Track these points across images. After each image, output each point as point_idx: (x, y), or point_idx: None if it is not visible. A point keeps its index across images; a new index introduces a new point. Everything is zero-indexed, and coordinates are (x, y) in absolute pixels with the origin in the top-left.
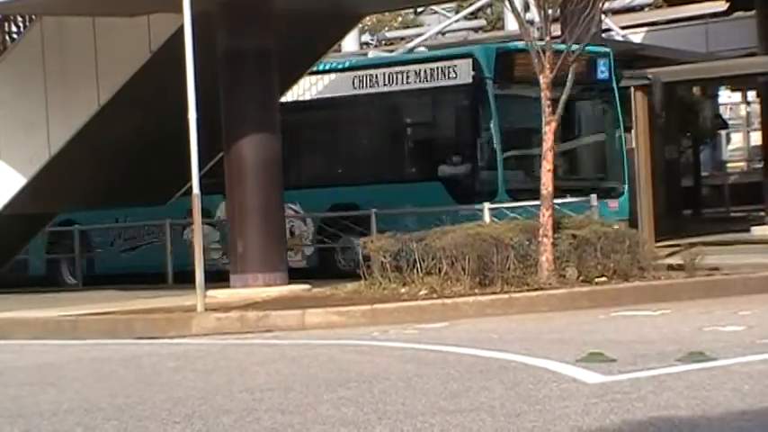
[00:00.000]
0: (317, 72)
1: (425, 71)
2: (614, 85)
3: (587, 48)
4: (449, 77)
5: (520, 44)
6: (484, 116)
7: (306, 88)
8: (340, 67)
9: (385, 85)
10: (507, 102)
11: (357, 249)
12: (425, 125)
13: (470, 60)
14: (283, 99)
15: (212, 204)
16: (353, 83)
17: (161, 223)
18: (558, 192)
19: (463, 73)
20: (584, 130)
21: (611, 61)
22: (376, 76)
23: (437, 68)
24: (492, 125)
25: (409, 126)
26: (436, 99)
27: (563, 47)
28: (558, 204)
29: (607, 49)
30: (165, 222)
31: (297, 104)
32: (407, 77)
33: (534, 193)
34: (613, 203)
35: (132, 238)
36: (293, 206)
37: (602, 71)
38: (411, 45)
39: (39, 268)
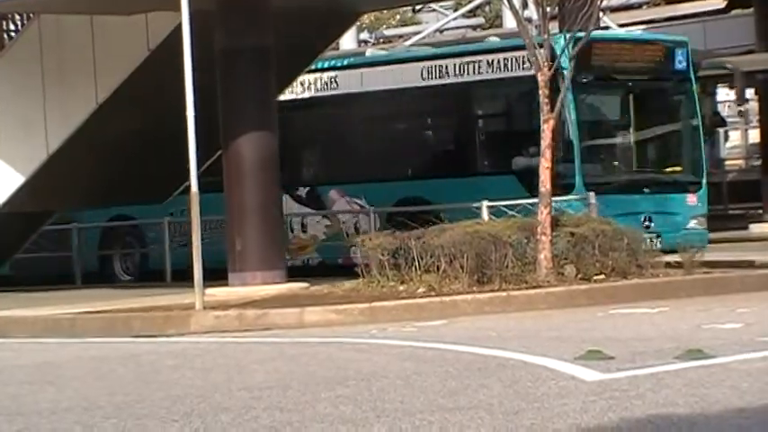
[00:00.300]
0: (382, 63)
1: (499, 61)
2: (692, 75)
3: (663, 37)
4: (523, 67)
5: (596, 32)
6: (561, 107)
7: (370, 79)
8: (407, 57)
9: (456, 75)
10: (584, 91)
11: None
12: (498, 116)
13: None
14: (348, 90)
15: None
16: (422, 73)
17: (218, 218)
18: (637, 186)
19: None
20: (661, 122)
21: (689, 51)
22: (446, 66)
23: (511, 58)
24: (569, 116)
25: (481, 117)
26: (510, 89)
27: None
28: (556, 202)
29: (685, 39)
30: (220, 218)
31: (361, 96)
32: (479, 67)
33: (614, 187)
34: (692, 198)
35: (187, 233)
36: (358, 200)
37: (680, 61)
38: (409, 43)
39: (92, 265)
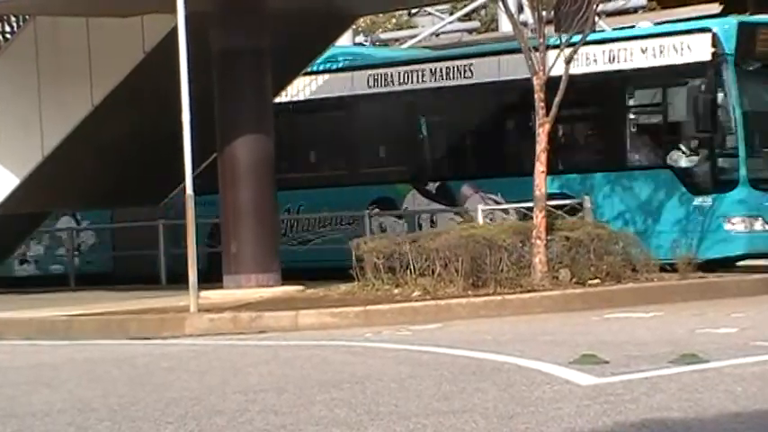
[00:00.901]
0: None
1: (654, 48)
2: None
3: None
4: (682, 54)
5: (763, 17)
6: (724, 97)
7: (510, 67)
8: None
9: (605, 63)
10: (750, 81)
11: None
12: (653, 107)
13: (709, 35)
14: (484, 79)
15: (398, 194)
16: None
17: (339, 215)
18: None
19: (700, 49)
20: None
21: None
22: (594, 54)
23: (668, 45)
24: (732, 107)
25: (633, 108)
26: (666, 78)
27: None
28: (551, 206)
29: None
30: (341, 214)
31: (499, 85)
32: (632, 55)
33: None
34: None
35: (306, 230)
36: (494, 196)
37: None
38: (405, 46)
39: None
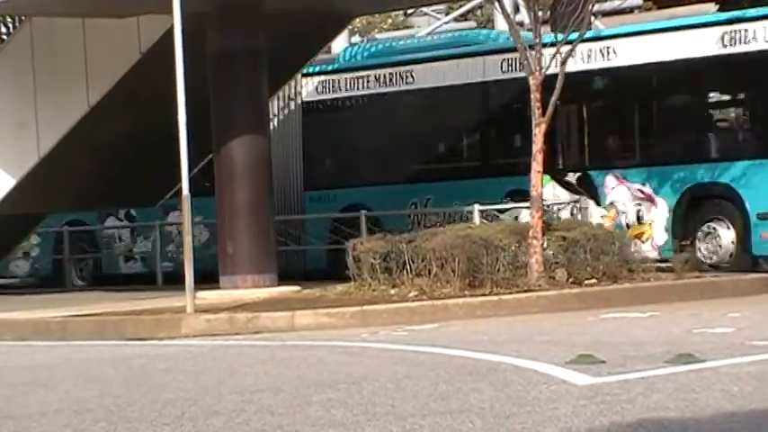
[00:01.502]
0: (652, 31)
1: None
2: None
3: None
4: None
5: None
6: None
7: (654, 48)
8: (694, 23)
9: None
10: None
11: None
12: None
13: None
14: (624, 62)
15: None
16: (723, 40)
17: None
18: None
19: None
20: None
21: None
22: (746, 31)
23: None
24: None
25: None
26: None
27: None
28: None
29: None
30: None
31: (643, 67)
32: None
33: None
34: None
35: (434, 225)
36: (642, 187)
37: None
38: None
39: (319, 260)
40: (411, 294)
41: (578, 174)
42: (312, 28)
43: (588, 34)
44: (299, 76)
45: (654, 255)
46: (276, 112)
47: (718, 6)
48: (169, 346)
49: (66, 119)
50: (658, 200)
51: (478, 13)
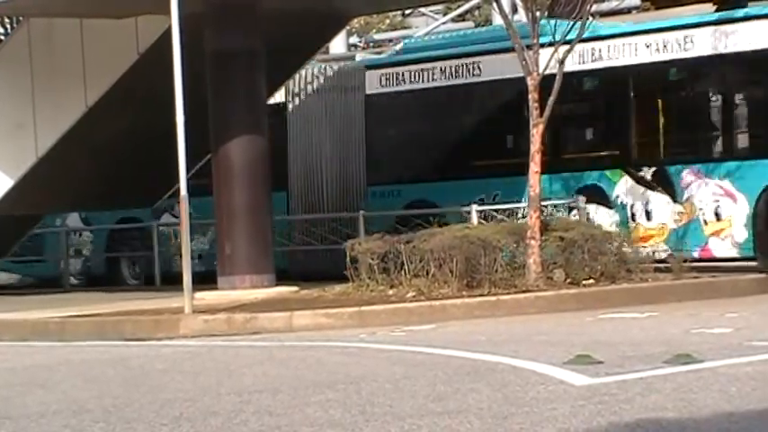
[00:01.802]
0: (731, 21)
1: None
2: None
3: None
4: None
5: None
6: None
7: (716, 42)
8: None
9: None
10: None
11: None
12: None
13: None
14: (703, 53)
15: (609, 182)
16: None
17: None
18: None
19: None
20: None
21: None
22: None
23: None
24: None
25: None
26: None
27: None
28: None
29: None
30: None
31: (708, 61)
32: None
33: None
34: None
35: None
36: (720, 182)
37: None
38: (399, 47)
39: None
40: (409, 295)
41: (653, 168)
42: (310, 28)
43: (664, 24)
44: (364, 69)
45: (734, 253)
46: (338, 106)
47: (715, 8)
48: (167, 346)
49: (65, 119)
50: (738, 196)
51: (476, 13)
